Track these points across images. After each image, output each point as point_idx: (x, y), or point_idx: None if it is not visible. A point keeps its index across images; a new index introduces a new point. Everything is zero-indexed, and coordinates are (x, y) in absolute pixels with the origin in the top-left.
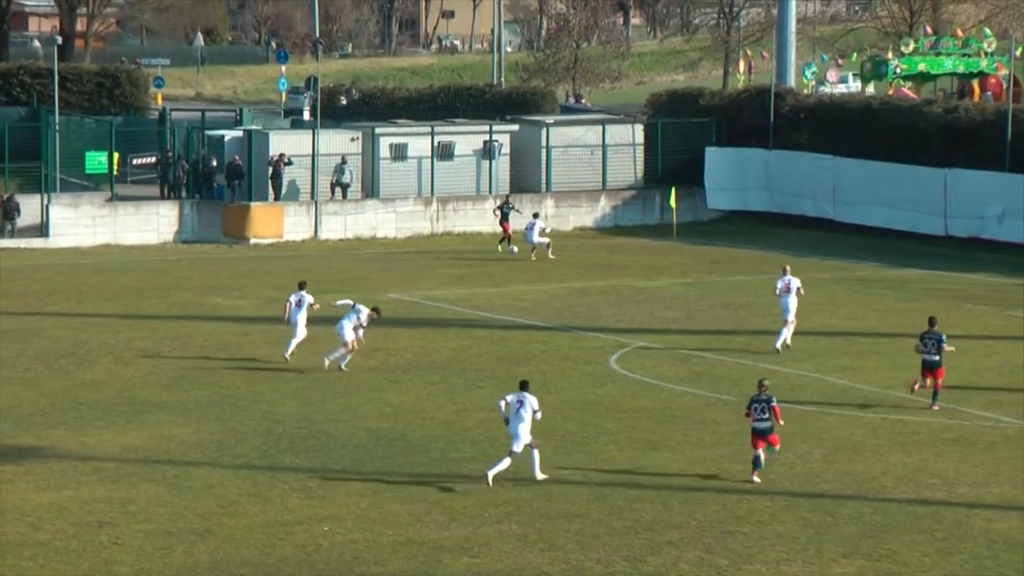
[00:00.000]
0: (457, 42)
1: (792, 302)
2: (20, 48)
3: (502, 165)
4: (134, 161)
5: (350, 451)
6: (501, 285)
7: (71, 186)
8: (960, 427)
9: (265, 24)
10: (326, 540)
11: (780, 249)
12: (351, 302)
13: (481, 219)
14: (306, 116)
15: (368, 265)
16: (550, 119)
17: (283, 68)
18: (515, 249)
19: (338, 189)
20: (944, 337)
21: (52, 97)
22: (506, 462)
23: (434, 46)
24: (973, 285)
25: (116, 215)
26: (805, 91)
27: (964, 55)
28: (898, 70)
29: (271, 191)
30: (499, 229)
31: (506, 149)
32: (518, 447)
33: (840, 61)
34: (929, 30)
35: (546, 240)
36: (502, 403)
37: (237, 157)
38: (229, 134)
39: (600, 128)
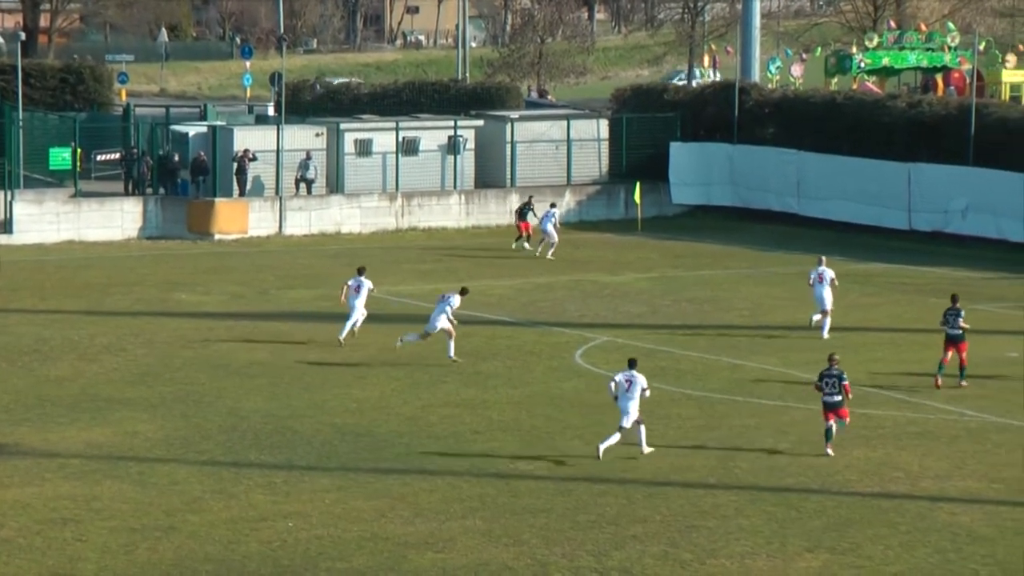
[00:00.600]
0: (422, 37)
1: (827, 293)
2: None
3: (467, 160)
4: (98, 157)
5: (315, 447)
6: (466, 280)
7: (35, 183)
8: (924, 421)
9: (229, 20)
10: (291, 536)
11: (744, 244)
12: (444, 294)
13: (446, 214)
14: (271, 112)
15: (333, 261)
16: (515, 114)
17: (247, 64)
18: (527, 246)
19: (303, 185)
20: (963, 312)
21: (15, 93)
22: (616, 437)
23: (399, 41)
24: (937, 279)
25: (80, 211)
26: (769, 86)
27: (928, 49)
28: (862, 65)
29: (236, 187)
30: (515, 227)
31: (471, 144)
32: (627, 423)
33: (804, 56)
34: (893, 25)
35: (555, 238)
36: (612, 383)
37: (202, 153)
38: (193, 130)
39: (565, 123)
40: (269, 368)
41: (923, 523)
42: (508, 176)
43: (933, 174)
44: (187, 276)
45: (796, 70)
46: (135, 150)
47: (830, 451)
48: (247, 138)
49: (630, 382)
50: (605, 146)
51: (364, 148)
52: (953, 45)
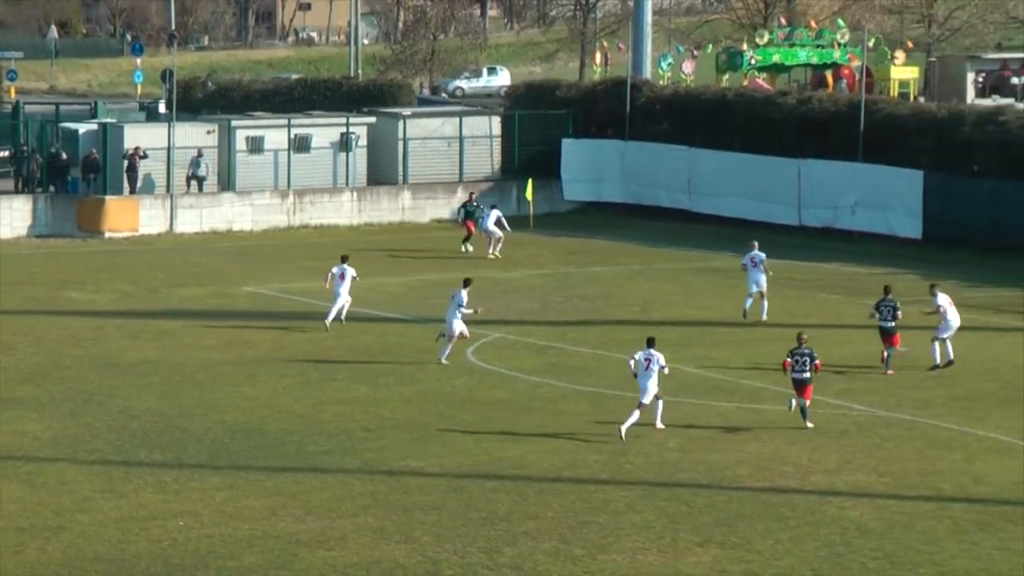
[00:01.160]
0: (314, 34)
1: (761, 276)
2: None
3: (359, 157)
4: None
5: (206, 445)
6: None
7: None
8: (813, 415)
9: (120, 16)
10: (181, 535)
11: (636, 240)
12: (454, 292)
13: (338, 211)
14: (162, 109)
15: (224, 258)
16: (407, 111)
17: (138, 61)
18: (470, 249)
19: (194, 182)
20: (898, 304)
21: None
22: (636, 415)
23: (291, 38)
24: (827, 275)
25: None
26: (661, 82)
27: (818, 46)
28: (753, 61)
29: (126, 184)
30: (462, 226)
31: (363, 141)
32: (647, 399)
33: (695, 53)
34: (783, 21)
35: (500, 234)
36: (632, 361)
37: (94, 150)
38: (84, 127)
39: (457, 120)
40: (159, 366)
41: (812, 517)
42: (400, 173)
43: (823, 170)
44: (77, 274)
45: (687, 67)
46: (25, 148)
47: (810, 424)
48: (138, 136)
49: (649, 360)
50: (497, 143)
51: (256, 145)
52: (843, 42)
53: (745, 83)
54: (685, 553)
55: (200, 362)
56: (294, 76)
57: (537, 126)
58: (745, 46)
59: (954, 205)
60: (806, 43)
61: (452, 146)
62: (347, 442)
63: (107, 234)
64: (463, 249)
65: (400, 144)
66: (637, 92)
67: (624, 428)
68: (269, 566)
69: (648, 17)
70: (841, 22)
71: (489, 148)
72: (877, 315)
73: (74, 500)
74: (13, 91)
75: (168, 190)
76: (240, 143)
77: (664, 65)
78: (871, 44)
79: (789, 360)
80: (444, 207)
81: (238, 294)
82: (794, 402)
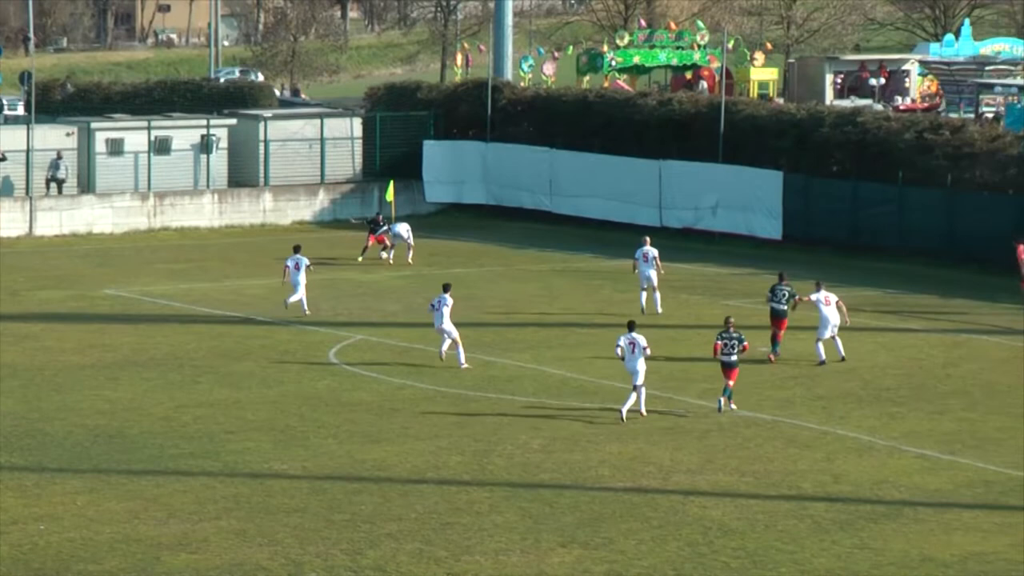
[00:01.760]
0: (174, 36)
1: (652, 272)
2: None
3: (220, 159)
4: None
5: (67, 449)
6: (219, 280)
7: None
8: (675, 416)
9: None
10: (42, 539)
11: (498, 241)
12: (435, 301)
13: (199, 213)
14: (20, 111)
15: (84, 261)
16: (268, 113)
17: None
18: (384, 255)
19: (53, 185)
20: (794, 291)
21: None
22: (633, 397)
23: (150, 40)
24: (689, 275)
25: None
26: (522, 84)
27: (678, 48)
28: (613, 63)
29: None
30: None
31: (224, 143)
32: (639, 380)
33: (556, 54)
34: (643, 23)
35: (411, 242)
36: (618, 348)
37: None
38: None
39: (318, 122)
40: (19, 370)
41: (675, 517)
42: (261, 175)
43: (684, 171)
44: None
45: (548, 68)
46: None
47: (733, 406)
48: None
49: (633, 344)
50: (359, 145)
51: (116, 147)
52: (703, 43)
53: (606, 85)
54: (548, 554)
55: (60, 365)
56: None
57: (398, 128)
58: (605, 48)
59: (813, 205)
60: (666, 45)
61: (313, 148)
62: (209, 445)
63: None
64: (360, 259)
65: (261, 146)
66: (498, 94)
67: (624, 410)
68: (131, 570)
69: (509, 19)
70: (701, 24)
71: (350, 150)
72: (772, 297)
73: None
74: None
75: (27, 192)
76: (100, 145)
77: (525, 67)
78: (731, 46)
79: (719, 343)
80: (306, 209)
81: (99, 297)
82: (722, 402)
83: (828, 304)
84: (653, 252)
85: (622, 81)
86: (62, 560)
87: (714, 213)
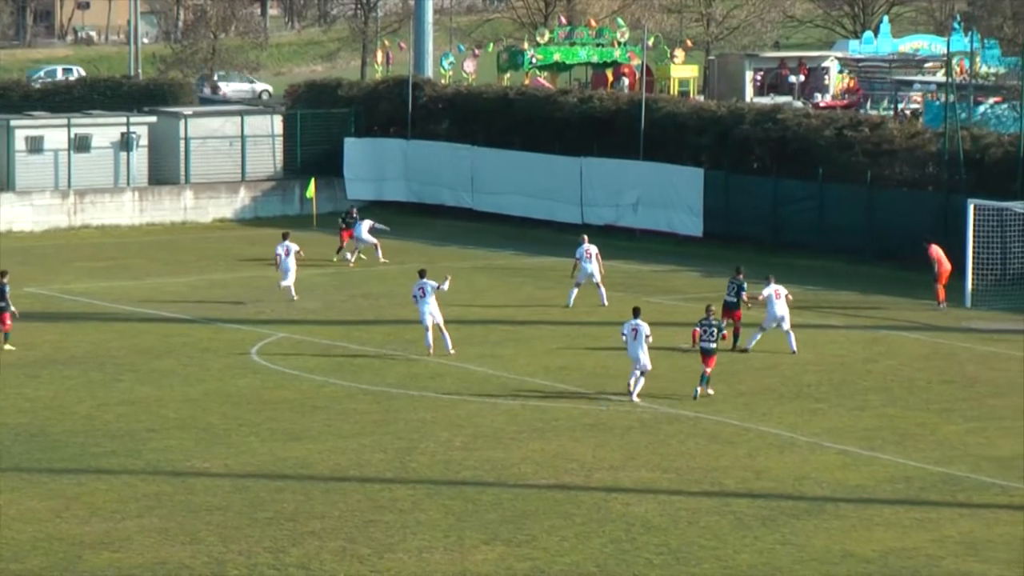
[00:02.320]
0: (93, 33)
1: (594, 267)
2: None
3: (140, 157)
4: None
5: None
6: (140, 278)
7: None
8: (598, 412)
9: None
10: None
11: (419, 239)
12: (433, 283)
13: (120, 211)
14: None
15: (4, 260)
16: (188, 110)
17: None
18: (349, 256)
19: None
20: (745, 286)
21: None
22: (642, 381)
23: (70, 37)
24: (610, 272)
25: None
26: (443, 81)
27: (598, 45)
28: (534, 60)
29: None
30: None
31: (144, 141)
32: (640, 368)
33: (477, 52)
34: (563, 20)
35: (375, 241)
36: (623, 335)
37: None
38: None
39: (239, 119)
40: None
41: (598, 514)
42: (182, 173)
43: (605, 168)
44: None
45: (469, 66)
46: None
47: (710, 391)
48: None
49: (636, 330)
50: (280, 142)
51: (35, 145)
52: (623, 41)
53: (526, 82)
54: (471, 551)
55: None
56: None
57: (319, 125)
58: (526, 45)
59: (734, 202)
60: (586, 42)
61: (234, 145)
62: (131, 443)
63: None
64: (341, 258)
65: (182, 143)
66: (419, 91)
67: (634, 395)
68: (53, 569)
69: (429, 16)
70: (621, 21)
71: (271, 147)
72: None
73: None
74: None
75: None
76: (19, 143)
77: (445, 64)
78: (651, 43)
79: (698, 330)
80: (227, 207)
81: (19, 295)
82: (699, 390)
83: (779, 298)
84: (594, 249)
85: (543, 78)
86: None
87: (635, 210)
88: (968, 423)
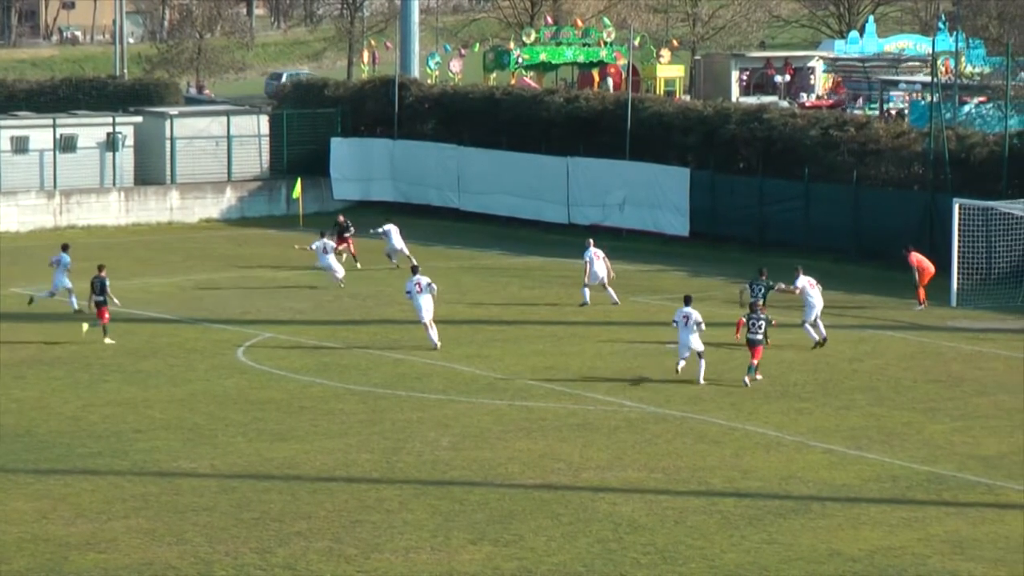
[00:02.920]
0: (78, 33)
1: (600, 268)
2: None
3: (126, 157)
4: None
5: None
6: (127, 278)
7: None
8: (584, 412)
9: None
10: None
11: (406, 239)
12: (425, 280)
13: (105, 212)
14: None
15: None
16: (174, 110)
17: None
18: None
19: None
20: (772, 285)
21: None
22: (682, 363)
23: (55, 37)
24: None
25: None
26: (429, 81)
27: (584, 45)
28: (520, 60)
29: None
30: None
31: (130, 141)
32: (687, 353)
33: (463, 51)
34: (550, 20)
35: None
36: (675, 323)
37: None
38: None
39: (225, 119)
40: None
41: (585, 514)
42: (168, 173)
43: (591, 168)
44: None
45: (455, 65)
46: None
47: (759, 377)
48: None
49: (687, 318)
50: (266, 142)
51: (20, 145)
52: (609, 40)
53: (512, 82)
54: (458, 551)
55: None
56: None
57: (306, 125)
58: (512, 45)
59: (720, 202)
60: (572, 42)
61: (220, 145)
62: (117, 444)
63: None
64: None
65: (168, 143)
66: (405, 91)
67: (701, 378)
68: (39, 570)
69: (415, 16)
70: (607, 21)
71: (258, 147)
72: (748, 292)
73: None
74: None
75: None
76: (4, 143)
77: (432, 64)
78: (637, 43)
79: (743, 320)
80: (213, 207)
81: (5, 295)
82: (747, 379)
83: (813, 287)
84: (600, 252)
85: (529, 78)
86: None
87: (621, 210)
88: (954, 422)
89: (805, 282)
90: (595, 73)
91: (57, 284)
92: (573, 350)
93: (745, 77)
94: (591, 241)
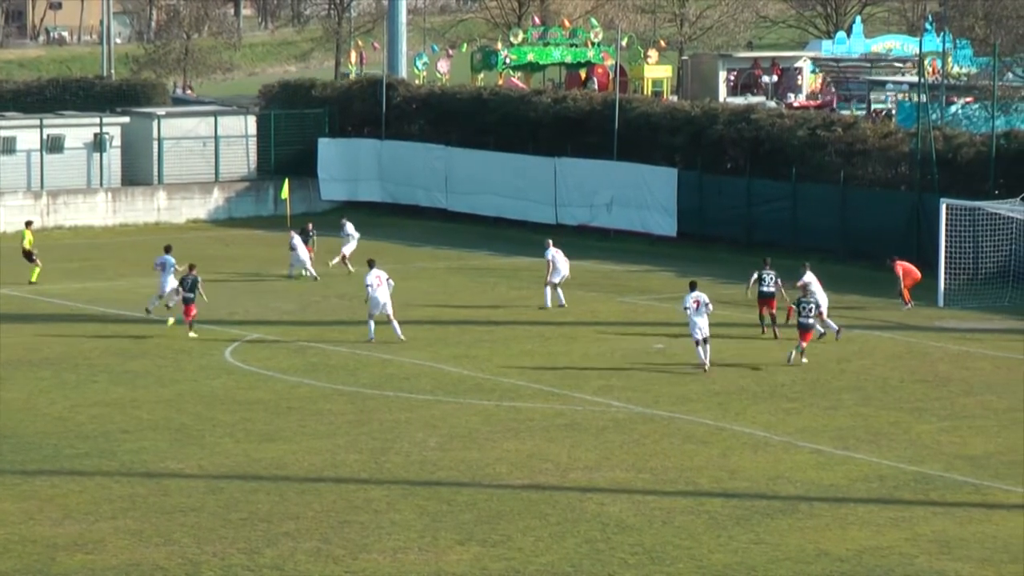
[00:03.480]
0: (65, 34)
1: (562, 265)
2: None
3: (113, 157)
4: None
5: None
6: (114, 279)
7: None
8: (572, 412)
9: None
10: None
11: (394, 239)
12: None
13: (92, 212)
14: None
15: None
16: (162, 111)
17: None
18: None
19: None
20: (774, 275)
21: None
22: (699, 348)
23: (42, 38)
24: (584, 272)
25: None
26: (416, 81)
27: (572, 45)
28: (507, 61)
29: None
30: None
31: (117, 141)
32: (699, 335)
33: (451, 52)
34: (537, 21)
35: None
36: (686, 308)
37: None
38: None
39: (212, 120)
40: None
41: (573, 514)
42: (155, 173)
43: (579, 168)
44: None
45: (442, 66)
46: None
47: (804, 360)
48: None
49: (698, 302)
50: (253, 143)
51: (8, 146)
52: (596, 41)
53: (500, 82)
54: (446, 551)
55: None
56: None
57: (293, 125)
58: (500, 45)
59: (708, 202)
60: (560, 42)
61: (208, 146)
62: (105, 444)
63: None
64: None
65: (155, 144)
66: (393, 91)
67: (706, 363)
68: (27, 571)
69: (403, 16)
70: (594, 21)
71: (245, 148)
72: (760, 282)
73: None
74: None
75: None
76: None
77: (419, 64)
78: (624, 43)
79: (794, 307)
80: (200, 207)
81: None
82: (793, 355)
83: (815, 283)
84: (560, 251)
85: (516, 79)
86: None
87: (609, 210)
88: (941, 422)
89: (812, 278)
90: (582, 73)
91: (164, 287)
92: (561, 350)
93: (733, 77)
94: (551, 241)
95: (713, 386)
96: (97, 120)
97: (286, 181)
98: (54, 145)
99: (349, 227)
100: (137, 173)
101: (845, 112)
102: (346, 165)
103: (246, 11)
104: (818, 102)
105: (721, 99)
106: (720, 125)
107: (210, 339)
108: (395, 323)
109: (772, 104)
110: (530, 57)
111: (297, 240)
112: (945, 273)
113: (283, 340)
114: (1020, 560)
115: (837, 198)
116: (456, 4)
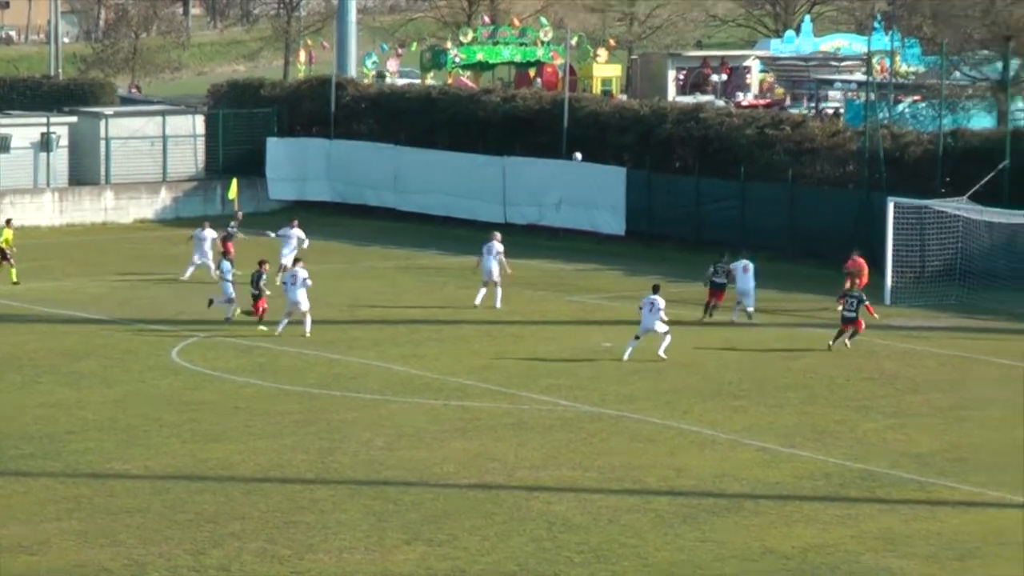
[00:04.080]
0: (13, 33)
1: (494, 265)
2: None
3: (60, 157)
4: None
5: None
6: (60, 279)
7: None
8: (520, 411)
9: None
10: None
11: (343, 239)
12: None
13: (39, 212)
14: None
15: None
16: (109, 110)
17: None
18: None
19: None
20: (728, 266)
21: None
22: (668, 339)
23: None
24: (533, 271)
25: None
26: (366, 80)
27: (521, 44)
28: (457, 59)
29: None
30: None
31: (64, 141)
32: (642, 334)
33: (400, 51)
34: (487, 20)
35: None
36: (640, 308)
37: None
38: None
39: (160, 119)
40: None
41: (519, 513)
42: (103, 173)
43: (527, 168)
44: None
45: (392, 65)
46: None
47: (847, 343)
48: None
49: (652, 303)
50: (201, 142)
51: None
52: (546, 40)
53: (450, 81)
54: (392, 551)
55: None
56: None
57: (242, 125)
58: (449, 44)
59: (656, 201)
60: (510, 41)
61: (155, 145)
62: (50, 445)
63: None
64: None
65: (102, 144)
66: (342, 90)
67: (663, 351)
68: None
69: (352, 15)
70: (544, 20)
71: (193, 147)
72: (713, 272)
73: None
74: None
75: None
76: None
77: (369, 63)
78: (574, 42)
79: (842, 300)
80: (148, 207)
81: None
82: (832, 343)
83: (746, 272)
84: (498, 248)
85: (466, 78)
86: None
87: (558, 209)
88: (887, 420)
89: (739, 267)
90: (531, 72)
91: (227, 291)
92: (509, 350)
93: (682, 76)
94: (496, 235)
95: (660, 385)
96: (44, 120)
97: (234, 181)
98: (1, 145)
99: (295, 230)
100: (84, 173)
101: (795, 112)
102: (295, 165)
103: (195, 10)
104: (767, 100)
105: (670, 98)
106: (669, 124)
107: (157, 339)
108: (308, 320)
109: (721, 103)
110: (479, 56)
111: (207, 233)
112: (892, 271)
113: (230, 340)
114: (965, 557)
115: (785, 197)
116: (406, 3)
